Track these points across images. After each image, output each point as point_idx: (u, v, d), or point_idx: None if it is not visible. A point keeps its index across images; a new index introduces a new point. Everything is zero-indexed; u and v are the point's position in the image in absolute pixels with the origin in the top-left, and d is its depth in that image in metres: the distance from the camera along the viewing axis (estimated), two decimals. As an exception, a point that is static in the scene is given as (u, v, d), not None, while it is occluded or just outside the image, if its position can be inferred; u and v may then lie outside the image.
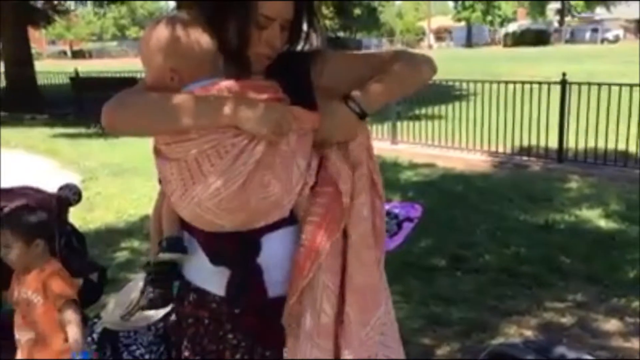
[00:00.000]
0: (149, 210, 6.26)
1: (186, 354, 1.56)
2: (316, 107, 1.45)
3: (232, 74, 1.42)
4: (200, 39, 1.38)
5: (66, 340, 2.07)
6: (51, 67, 19.84)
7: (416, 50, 1.72)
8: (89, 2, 21.41)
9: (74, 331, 2.05)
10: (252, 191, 1.35)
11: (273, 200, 1.38)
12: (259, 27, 1.41)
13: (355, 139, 1.44)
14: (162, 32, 1.38)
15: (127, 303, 2.59)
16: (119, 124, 1.41)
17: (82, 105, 13.17)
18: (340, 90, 1.45)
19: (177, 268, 1.58)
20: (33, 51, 18.47)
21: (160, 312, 2.55)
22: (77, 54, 55.16)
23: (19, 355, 2.12)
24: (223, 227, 1.40)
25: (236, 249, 1.43)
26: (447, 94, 10.25)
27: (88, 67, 18.83)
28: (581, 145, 6.98)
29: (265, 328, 1.45)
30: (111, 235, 4.98)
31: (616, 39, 46.26)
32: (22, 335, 2.11)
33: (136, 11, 67.42)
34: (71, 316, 2.08)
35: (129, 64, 18.60)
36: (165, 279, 1.61)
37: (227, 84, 1.36)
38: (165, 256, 1.56)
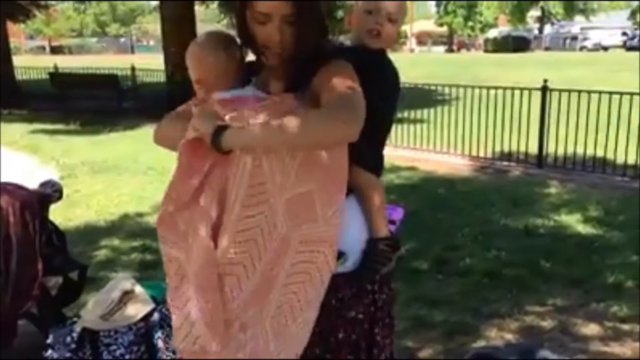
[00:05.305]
0: (129, 208, 6.16)
1: None
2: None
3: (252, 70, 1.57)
4: (225, 52, 1.53)
5: None
6: (30, 63, 19.52)
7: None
8: (70, -4, 21.13)
9: None
10: None
11: None
12: (259, 23, 1.44)
13: None
14: (191, 48, 1.56)
15: (107, 302, 2.56)
16: (157, 140, 1.64)
17: (61, 101, 12.98)
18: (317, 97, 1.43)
19: None
20: (11, 45, 18.16)
21: (140, 313, 2.51)
22: (56, 50, 54.38)
23: None
24: None
25: None
26: (428, 98, 10.29)
27: (67, 62, 18.56)
28: (561, 151, 7.04)
29: None
30: (91, 234, 4.90)
31: (596, 48, 46.84)
32: None
33: (117, 8, 66.69)
34: None
35: (109, 61, 18.40)
36: None
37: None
38: None
